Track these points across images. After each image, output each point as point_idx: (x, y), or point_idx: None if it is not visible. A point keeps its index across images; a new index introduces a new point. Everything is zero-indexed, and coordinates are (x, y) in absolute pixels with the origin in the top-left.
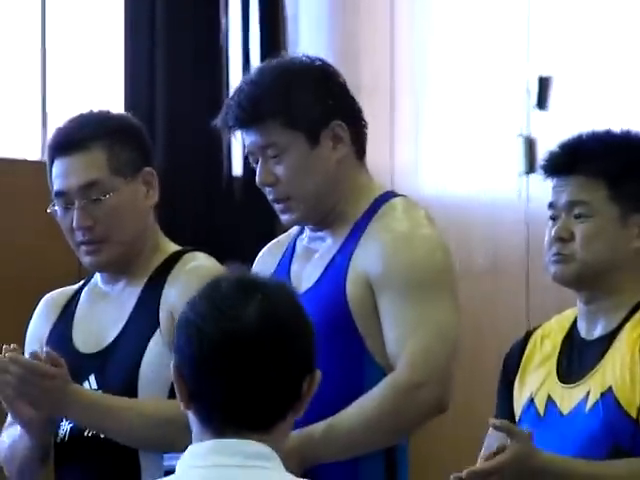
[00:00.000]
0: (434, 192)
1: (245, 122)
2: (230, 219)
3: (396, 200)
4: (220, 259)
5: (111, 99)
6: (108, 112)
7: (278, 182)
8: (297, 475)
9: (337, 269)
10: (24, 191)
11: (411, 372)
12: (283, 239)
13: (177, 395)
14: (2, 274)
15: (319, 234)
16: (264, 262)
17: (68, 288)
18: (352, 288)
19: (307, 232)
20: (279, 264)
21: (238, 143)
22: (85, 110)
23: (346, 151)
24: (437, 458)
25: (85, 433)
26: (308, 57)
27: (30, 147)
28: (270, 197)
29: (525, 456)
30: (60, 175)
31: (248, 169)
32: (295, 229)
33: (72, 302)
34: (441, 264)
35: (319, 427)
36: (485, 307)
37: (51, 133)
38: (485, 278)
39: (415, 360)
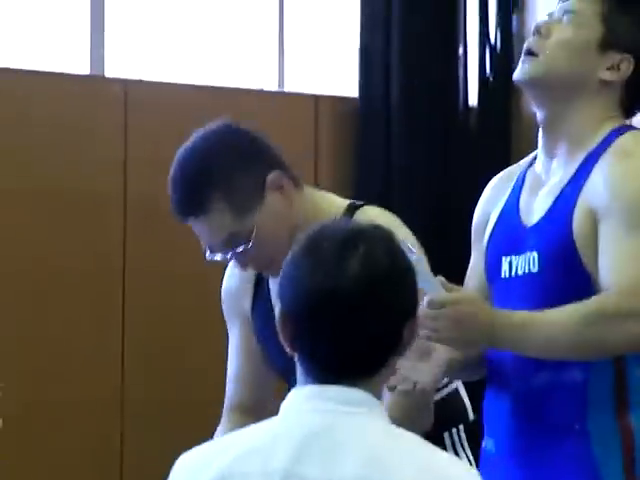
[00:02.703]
0: None
1: None
2: (466, 150)
3: (629, 133)
4: (456, 191)
5: (347, 37)
6: (200, 154)
7: None
8: (478, 349)
9: (566, 202)
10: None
11: (620, 300)
12: (514, 169)
13: (281, 338)
14: None
15: (552, 165)
16: (494, 192)
17: None
18: (579, 223)
19: (540, 159)
20: (510, 194)
21: (474, 74)
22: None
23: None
24: None
25: None
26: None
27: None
28: None
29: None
30: (198, 233)
31: (484, 100)
32: (526, 160)
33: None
34: None
35: (520, 314)
36: None
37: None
38: None
39: (627, 289)
